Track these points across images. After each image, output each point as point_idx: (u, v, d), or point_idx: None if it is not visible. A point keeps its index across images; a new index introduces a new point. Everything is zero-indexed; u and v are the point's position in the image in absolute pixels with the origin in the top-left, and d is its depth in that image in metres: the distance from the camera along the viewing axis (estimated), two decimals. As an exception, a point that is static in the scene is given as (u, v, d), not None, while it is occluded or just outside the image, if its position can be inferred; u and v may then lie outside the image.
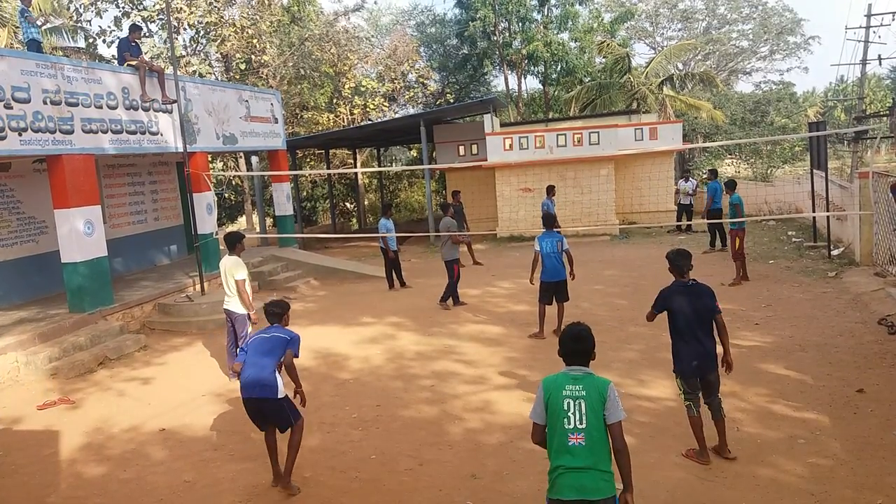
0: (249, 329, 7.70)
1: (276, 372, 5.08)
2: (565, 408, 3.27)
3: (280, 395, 5.05)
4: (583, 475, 3.20)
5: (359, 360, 8.52)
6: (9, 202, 10.93)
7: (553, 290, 8.77)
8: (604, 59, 28.97)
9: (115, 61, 12.69)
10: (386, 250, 12.76)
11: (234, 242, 7.75)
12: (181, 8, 20.36)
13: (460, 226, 14.98)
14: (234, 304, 7.73)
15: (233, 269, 7.65)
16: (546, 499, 3.40)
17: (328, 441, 6.08)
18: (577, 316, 9.87)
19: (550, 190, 15.27)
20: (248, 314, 7.73)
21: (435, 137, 21.69)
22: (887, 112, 21.60)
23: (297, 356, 5.22)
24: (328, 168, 27.12)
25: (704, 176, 29.40)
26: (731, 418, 5.94)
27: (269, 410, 5.10)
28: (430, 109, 27.49)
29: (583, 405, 3.26)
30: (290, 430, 5.13)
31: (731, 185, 12.56)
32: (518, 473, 5.21)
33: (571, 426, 3.25)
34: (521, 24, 28.78)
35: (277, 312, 5.55)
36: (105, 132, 10.40)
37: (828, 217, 13.56)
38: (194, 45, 22.97)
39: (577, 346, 3.44)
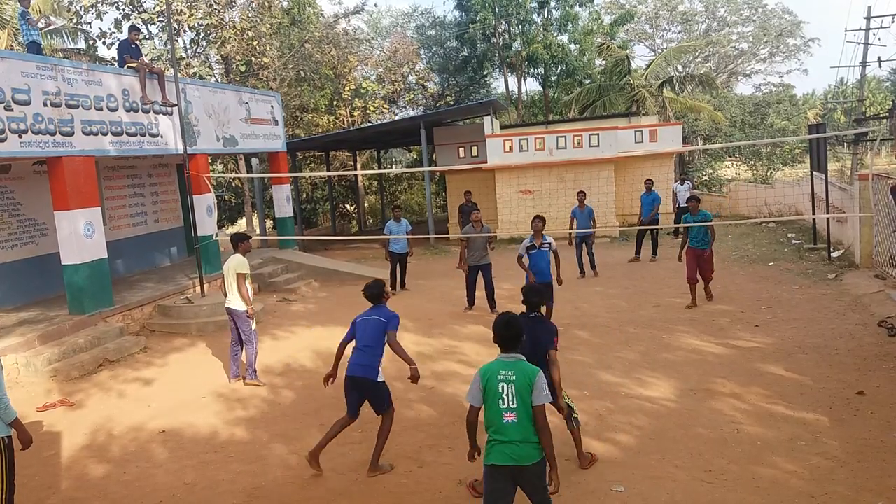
0: (254, 326, 7.85)
1: (380, 356, 5.41)
2: (500, 390, 3.75)
3: (379, 379, 5.38)
4: (514, 447, 3.70)
5: (359, 361, 8.51)
6: (9, 204, 10.93)
7: None
8: (604, 61, 29.01)
9: (116, 63, 12.70)
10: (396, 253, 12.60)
11: (238, 242, 8.00)
12: (181, 10, 20.37)
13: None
14: (235, 303, 7.82)
15: (235, 266, 7.82)
16: (483, 465, 3.85)
17: (329, 443, 6.07)
18: (578, 317, 9.91)
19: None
20: (247, 314, 7.78)
21: (435, 139, 21.70)
22: (887, 114, 21.62)
23: (395, 332, 5.50)
24: (328, 170, 27.12)
25: (704, 178, 29.55)
26: (731, 419, 5.95)
27: (367, 391, 5.42)
28: (431, 111, 27.51)
29: (513, 388, 3.72)
30: (381, 416, 5.46)
31: (697, 199, 10.70)
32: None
33: (505, 406, 3.72)
34: (520, 27, 28.82)
35: (376, 293, 5.67)
36: (105, 134, 10.40)
37: (828, 219, 13.57)
38: (194, 48, 22.98)
39: (509, 332, 3.88)
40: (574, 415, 5.27)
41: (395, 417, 6.51)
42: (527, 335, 4.41)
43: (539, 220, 9.29)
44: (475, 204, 15.20)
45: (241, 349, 8.02)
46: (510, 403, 3.71)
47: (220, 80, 22.70)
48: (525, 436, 3.70)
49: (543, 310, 5.42)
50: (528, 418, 3.71)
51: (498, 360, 3.89)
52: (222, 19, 21.23)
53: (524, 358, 3.89)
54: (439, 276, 14.15)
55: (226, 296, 7.96)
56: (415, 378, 5.51)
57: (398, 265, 12.82)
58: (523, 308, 5.17)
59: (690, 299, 10.09)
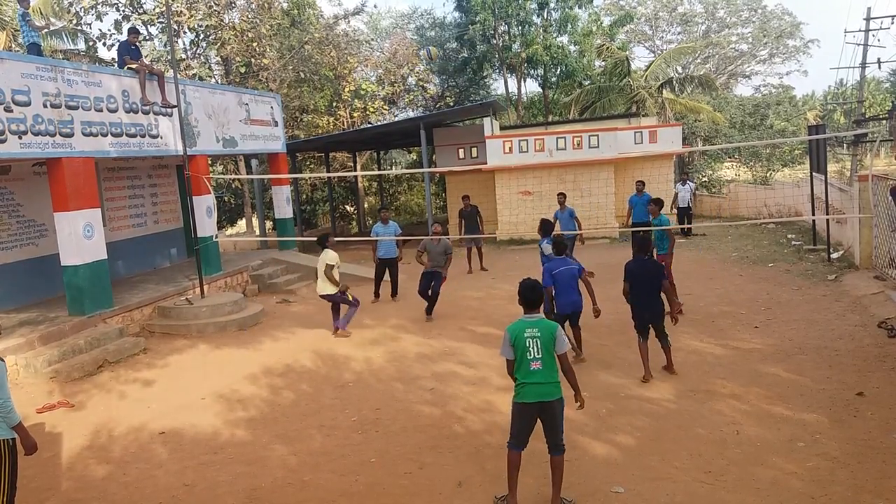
0: (350, 297, 9.84)
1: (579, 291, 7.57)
2: (527, 345, 4.58)
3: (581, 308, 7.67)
4: (541, 387, 4.57)
5: (360, 361, 8.53)
6: (9, 205, 10.93)
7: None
8: (603, 63, 29.03)
9: (116, 64, 12.71)
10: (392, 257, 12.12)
11: (324, 240, 10.07)
12: (181, 11, 20.38)
13: (473, 229, 14.87)
14: (326, 289, 9.76)
15: (325, 259, 9.75)
16: (513, 402, 4.68)
17: (328, 444, 6.08)
18: (581, 321, 9.88)
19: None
20: (339, 291, 9.72)
21: (435, 140, 21.70)
22: (886, 115, 21.64)
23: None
24: (328, 171, 27.13)
25: (703, 179, 29.58)
26: (731, 420, 5.95)
27: (576, 317, 7.71)
28: (430, 112, 27.51)
29: (539, 342, 4.58)
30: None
31: (659, 203, 10.66)
32: (518, 476, 5.19)
33: (532, 356, 4.57)
34: (520, 28, 28.82)
35: (563, 244, 7.90)
36: (105, 135, 10.41)
37: (827, 220, 13.57)
38: (194, 49, 22.99)
39: (533, 295, 4.76)
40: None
41: (394, 418, 6.53)
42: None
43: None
44: (476, 207, 15.17)
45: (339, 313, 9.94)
46: (536, 354, 4.55)
47: (219, 82, 22.72)
48: (548, 378, 4.56)
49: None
50: (551, 365, 4.57)
51: (521, 320, 4.70)
52: (222, 20, 21.25)
53: (543, 316, 4.76)
54: (449, 277, 14.12)
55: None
56: (596, 312, 7.61)
57: (387, 271, 12.11)
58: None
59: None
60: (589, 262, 13.60)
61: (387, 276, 12.25)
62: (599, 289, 11.72)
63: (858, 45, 25.99)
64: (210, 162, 18.27)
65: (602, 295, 11.35)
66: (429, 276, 10.68)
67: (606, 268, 13.71)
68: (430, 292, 10.65)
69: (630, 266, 7.23)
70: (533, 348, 4.56)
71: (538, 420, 4.64)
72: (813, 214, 14.55)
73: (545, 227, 9.64)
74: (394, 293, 12.22)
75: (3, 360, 4.40)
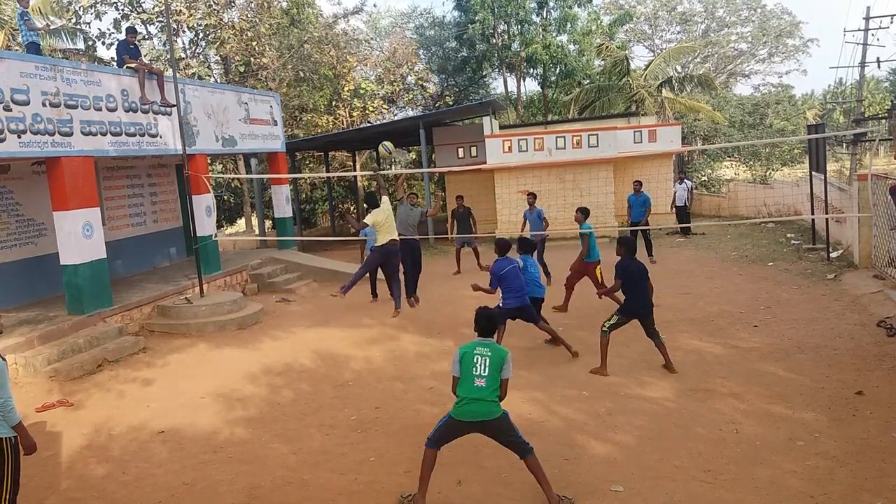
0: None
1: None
2: (475, 362, 4.75)
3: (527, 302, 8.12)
4: (482, 405, 4.69)
5: (359, 361, 8.53)
6: (8, 204, 10.92)
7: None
8: (603, 62, 29.00)
9: (115, 63, 12.70)
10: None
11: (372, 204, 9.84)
12: (180, 10, 20.38)
13: (465, 230, 14.85)
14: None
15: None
16: (449, 414, 4.84)
17: (328, 443, 6.08)
18: (577, 317, 9.92)
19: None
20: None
21: (434, 140, 21.70)
22: (886, 115, 21.66)
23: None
24: (327, 170, 27.12)
25: (703, 179, 29.60)
26: (731, 419, 5.96)
27: (529, 311, 8.11)
28: (430, 112, 27.50)
29: (487, 361, 4.73)
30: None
31: (585, 212, 10.62)
32: (517, 475, 5.20)
33: (477, 373, 4.72)
34: (519, 27, 28.81)
35: (507, 245, 8.34)
36: (104, 134, 10.40)
37: (827, 219, 13.58)
38: (193, 48, 22.99)
39: (489, 324, 4.96)
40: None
41: (393, 417, 6.53)
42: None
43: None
44: (469, 209, 15.19)
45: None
46: (482, 371, 4.71)
47: (219, 81, 22.71)
48: (489, 396, 4.69)
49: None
50: (495, 385, 4.71)
51: (475, 342, 4.89)
52: (221, 20, 21.25)
53: (494, 342, 4.92)
54: (439, 276, 14.14)
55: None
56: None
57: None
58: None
59: (563, 301, 10.38)
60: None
61: (381, 275, 12.07)
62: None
63: (858, 44, 26.01)
64: (209, 161, 18.26)
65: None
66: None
67: (605, 267, 13.70)
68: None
69: (625, 264, 7.45)
70: (480, 366, 4.72)
71: (488, 438, 4.86)
72: (812, 213, 14.56)
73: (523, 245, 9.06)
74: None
75: (3, 359, 4.40)
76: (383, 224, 9.67)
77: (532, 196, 12.99)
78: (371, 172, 9.75)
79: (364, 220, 9.65)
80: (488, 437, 4.84)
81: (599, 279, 10.25)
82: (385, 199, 9.73)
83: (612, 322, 7.46)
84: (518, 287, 8.05)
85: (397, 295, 10.22)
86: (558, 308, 10.33)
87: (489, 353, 4.76)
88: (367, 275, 12.13)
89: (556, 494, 4.72)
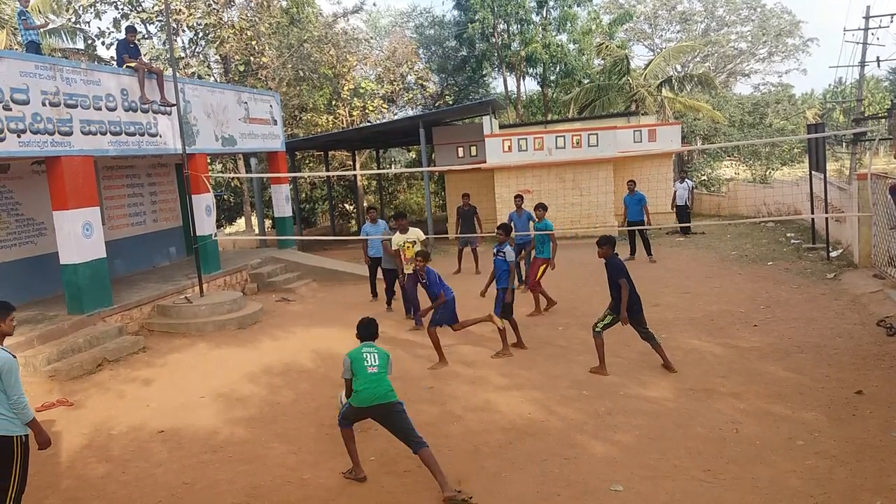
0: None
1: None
2: (365, 357, 5.27)
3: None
4: (377, 388, 5.17)
5: (359, 360, 8.50)
6: (7, 204, 10.92)
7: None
8: (602, 61, 29.00)
9: (114, 63, 12.69)
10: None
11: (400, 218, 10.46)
12: (180, 10, 20.37)
13: (469, 229, 14.81)
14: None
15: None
16: (349, 403, 5.27)
17: (327, 443, 6.08)
18: (576, 317, 9.92)
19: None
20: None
21: (434, 139, 21.69)
22: (886, 114, 21.66)
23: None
24: (327, 170, 27.11)
25: (703, 178, 29.58)
26: (730, 419, 5.96)
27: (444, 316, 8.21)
28: (430, 111, 27.49)
29: (375, 356, 5.32)
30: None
31: (544, 207, 10.97)
32: (517, 475, 5.21)
33: (369, 364, 5.25)
34: (519, 26, 28.79)
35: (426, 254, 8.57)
36: (104, 134, 10.40)
37: (826, 219, 13.58)
38: (193, 47, 22.98)
39: (367, 331, 5.53)
40: None
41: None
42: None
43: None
44: (474, 207, 15.12)
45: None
46: (373, 362, 5.26)
47: (218, 80, 22.70)
48: (383, 381, 5.23)
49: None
50: (384, 373, 5.29)
51: (359, 347, 5.40)
52: (221, 19, 21.25)
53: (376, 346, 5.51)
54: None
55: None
56: None
57: (381, 271, 11.70)
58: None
59: (535, 306, 10.34)
60: (587, 260, 13.63)
61: (380, 275, 12.10)
62: (600, 288, 11.73)
63: (858, 43, 25.99)
64: (209, 160, 18.24)
65: (601, 294, 11.36)
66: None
67: (604, 267, 13.69)
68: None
69: (619, 261, 7.55)
70: (370, 359, 5.26)
71: (384, 426, 5.25)
72: (812, 213, 14.56)
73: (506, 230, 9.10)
74: (389, 303, 11.50)
75: (14, 357, 4.43)
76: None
77: (519, 198, 12.83)
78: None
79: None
80: (385, 426, 5.21)
81: (539, 275, 10.30)
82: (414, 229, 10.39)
83: (605, 322, 7.47)
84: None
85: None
86: (542, 310, 10.31)
87: (375, 351, 5.36)
88: (368, 275, 12.25)
89: (452, 487, 4.92)
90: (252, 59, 21.95)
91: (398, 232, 10.40)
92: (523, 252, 11.76)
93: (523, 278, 11.99)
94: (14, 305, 4.71)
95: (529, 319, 9.76)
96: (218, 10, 21.14)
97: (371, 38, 30.93)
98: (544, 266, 10.35)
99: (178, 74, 12.05)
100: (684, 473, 5.05)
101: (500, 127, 22.02)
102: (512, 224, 12.42)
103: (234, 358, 9.05)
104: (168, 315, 10.93)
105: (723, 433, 5.69)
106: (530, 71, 30.50)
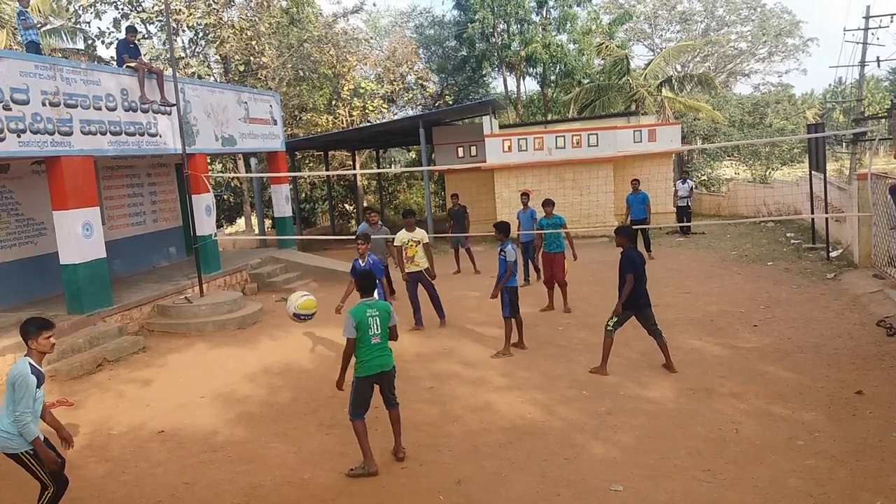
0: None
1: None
2: (369, 324, 5.34)
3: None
4: (381, 358, 5.40)
5: (358, 361, 8.51)
6: (7, 204, 10.92)
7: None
8: (602, 61, 29.00)
9: (114, 63, 12.69)
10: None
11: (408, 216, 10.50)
12: (180, 10, 20.36)
13: (461, 229, 14.87)
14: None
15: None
16: (355, 377, 5.39)
17: (328, 442, 6.09)
18: (577, 317, 9.92)
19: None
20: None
21: (434, 139, 21.69)
22: (886, 114, 21.65)
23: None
24: (327, 170, 27.11)
25: (703, 178, 29.58)
26: (730, 419, 5.96)
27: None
28: (429, 111, 27.48)
29: (378, 320, 5.38)
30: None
31: (551, 203, 11.02)
32: (517, 475, 5.21)
33: (372, 332, 5.35)
34: (519, 26, 28.79)
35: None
36: (104, 134, 10.39)
37: (826, 219, 13.59)
38: (193, 47, 22.97)
39: (368, 281, 5.60)
40: None
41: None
42: None
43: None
44: (464, 207, 15.19)
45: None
46: (376, 330, 5.35)
47: (218, 80, 22.70)
48: (385, 350, 5.43)
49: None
50: (386, 338, 5.46)
51: (360, 303, 5.44)
52: (221, 19, 21.24)
53: (378, 299, 5.68)
54: (438, 276, 14.11)
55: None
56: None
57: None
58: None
59: (548, 302, 10.51)
60: (587, 260, 13.65)
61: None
62: (600, 288, 11.75)
63: (858, 43, 25.99)
64: (209, 160, 18.24)
65: (601, 294, 11.39)
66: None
67: (604, 266, 13.71)
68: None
69: (632, 254, 7.42)
70: (374, 326, 5.35)
71: (374, 388, 5.49)
72: (812, 213, 14.56)
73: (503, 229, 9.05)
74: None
75: (41, 371, 4.55)
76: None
77: (526, 196, 12.95)
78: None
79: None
80: (380, 387, 5.50)
81: (564, 273, 10.45)
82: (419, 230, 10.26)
83: (615, 320, 7.42)
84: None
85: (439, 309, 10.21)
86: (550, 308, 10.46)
87: (377, 313, 5.41)
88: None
89: (403, 448, 5.58)
90: (252, 59, 21.95)
91: (404, 229, 10.35)
92: (539, 250, 11.56)
93: (538, 271, 12.22)
94: (54, 323, 4.75)
95: (529, 320, 9.75)
96: (218, 10, 21.13)
97: (371, 38, 30.92)
98: (566, 262, 10.45)
99: (178, 74, 12.04)
100: (684, 473, 5.05)
101: (500, 127, 22.02)
102: (518, 222, 12.49)
103: (233, 358, 9.05)
104: (168, 315, 10.93)
105: (723, 433, 5.69)
106: (530, 71, 30.49)
